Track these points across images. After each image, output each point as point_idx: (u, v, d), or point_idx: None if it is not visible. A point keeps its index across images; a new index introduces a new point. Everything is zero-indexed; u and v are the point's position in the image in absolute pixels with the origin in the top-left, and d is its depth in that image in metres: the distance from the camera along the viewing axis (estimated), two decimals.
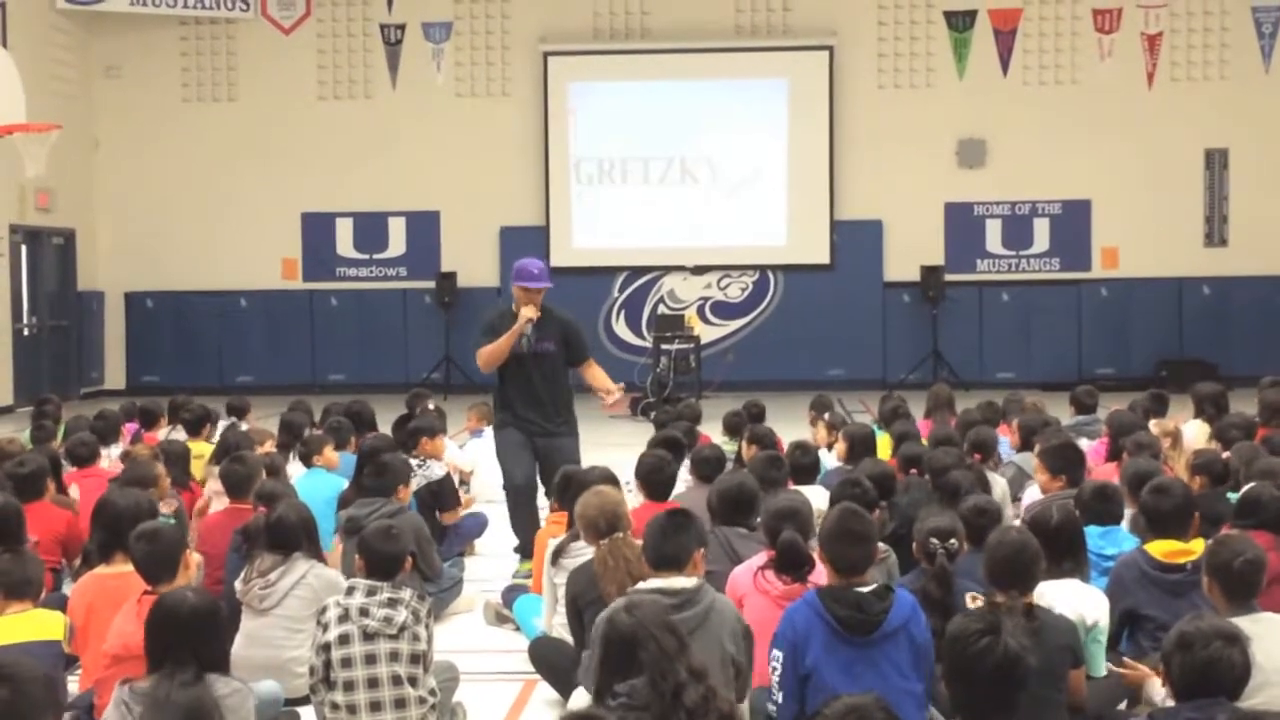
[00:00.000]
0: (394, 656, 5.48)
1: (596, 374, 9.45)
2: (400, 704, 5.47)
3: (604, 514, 6.06)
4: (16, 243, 19.94)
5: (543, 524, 8.43)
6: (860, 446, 8.55)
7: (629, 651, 4.22)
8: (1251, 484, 6.70)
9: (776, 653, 4.96)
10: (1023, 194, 21.59)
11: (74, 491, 8.58)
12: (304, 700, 5.99)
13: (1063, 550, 5.75)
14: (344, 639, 5.46)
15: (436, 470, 9.28)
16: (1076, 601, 5.55)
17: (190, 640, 4.60)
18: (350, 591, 5.58)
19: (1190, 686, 4.19)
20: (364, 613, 5.48)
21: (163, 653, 4.60)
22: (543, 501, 9.15)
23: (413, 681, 5.50)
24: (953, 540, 5.69)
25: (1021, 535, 5.49)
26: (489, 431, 11.74)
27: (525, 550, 8.92)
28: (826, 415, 11.19)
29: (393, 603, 5.52)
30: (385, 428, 10.77)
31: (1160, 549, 5.94)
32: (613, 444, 9.75)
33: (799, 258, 21.61)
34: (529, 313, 9.04)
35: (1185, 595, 5.66)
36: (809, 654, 4.87)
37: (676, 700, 4.10)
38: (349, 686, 5.45)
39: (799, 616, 4.96)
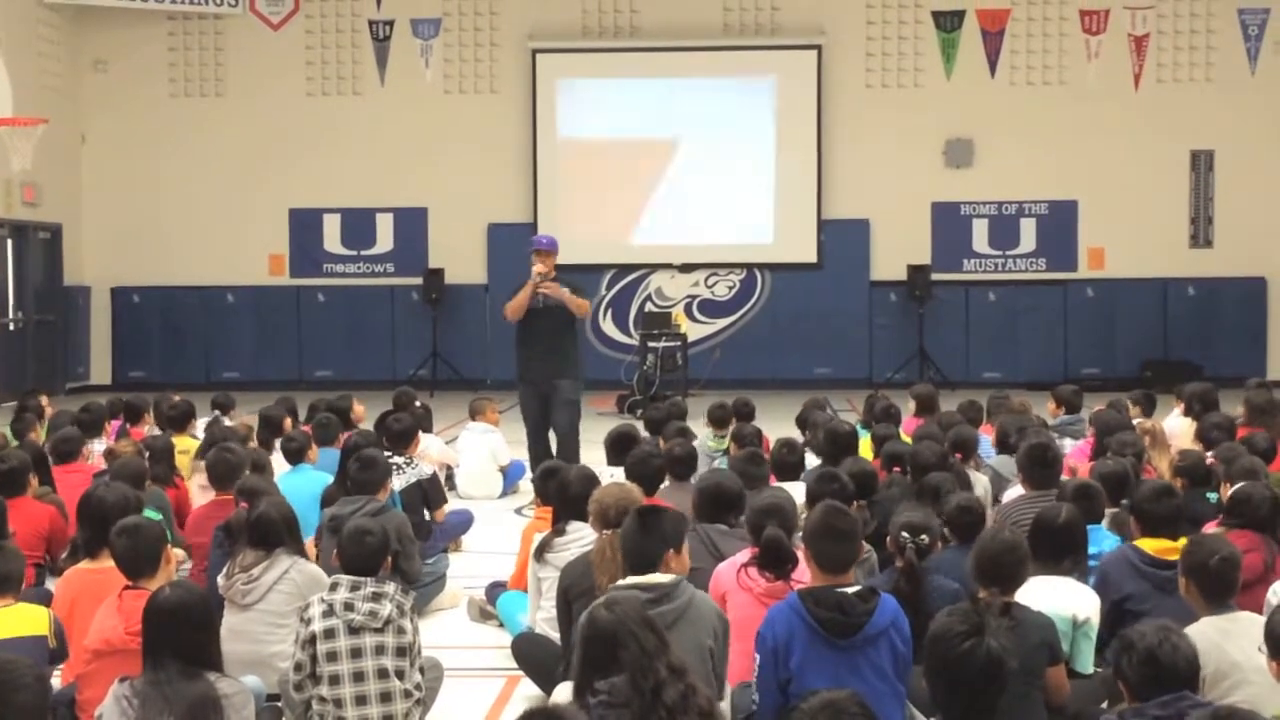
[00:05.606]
0: (380, 650, 5.48)
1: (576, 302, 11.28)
2: (386, 697, 5.47)
3: (618, 506, 6.03)
4: (2, 237, 19.88)
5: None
6: (838, 446, 8.40)
7: (610, 649, 4.24)
8: (1242, 483, 6.72)
9: (758, 655, 4.95)
10: (1010, 194, 21.60)
11: None
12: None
13: (1066, 548, 5.77)
14: (329, 633, 5.46)
15: (425, 469, 9.30)
16: (1068, 599, 5.57)
17: (179, 635, 4.61)
18: (334, 587, 5.59)
19: (1143, 681, 4.18)
20: (349, 607, 5.48)
21: (154, 648, 4.61)
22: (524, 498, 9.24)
23: (399, 674, 5.51)
24: (924, 536, 5.70)
25: (1013, 536, 5.50)
26: (473, 425, 11.95)
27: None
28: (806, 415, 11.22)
29: (377, 597, 5.53)
30: (370, 425, 10.76)
31: (1152, 546, 5.97)
32: (599, 441, 9.75)
33: (786, 256, 21.61)
34: (539, 266, 11.19)
35: (1174, 594, 5.61)
36: (791, 658, 4.86)
37: (656, 698, 4.11)
38: (334, 680, 5.45)
39: (780, 620, 4.94)
